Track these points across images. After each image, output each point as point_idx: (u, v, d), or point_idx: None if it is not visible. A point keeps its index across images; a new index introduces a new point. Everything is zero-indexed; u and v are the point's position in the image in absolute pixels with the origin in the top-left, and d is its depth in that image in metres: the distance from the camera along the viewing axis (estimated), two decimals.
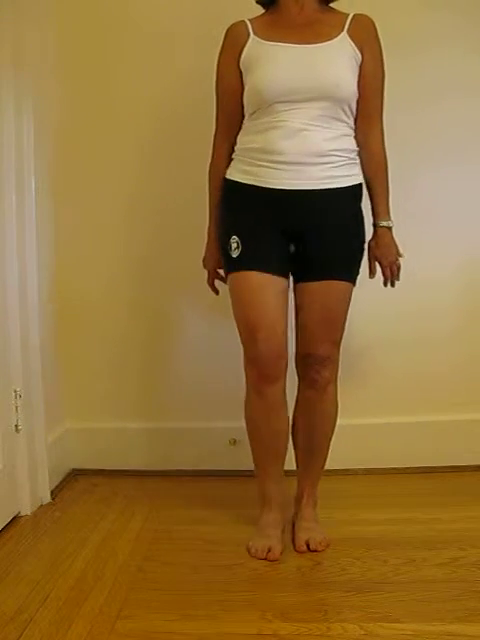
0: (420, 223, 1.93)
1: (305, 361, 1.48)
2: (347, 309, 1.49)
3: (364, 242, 1.50)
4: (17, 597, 1.26)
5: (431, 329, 1.95)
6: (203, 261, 1.61)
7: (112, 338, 2.06)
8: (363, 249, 1.50)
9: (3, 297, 1.67)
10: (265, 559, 1.41)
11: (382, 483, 1.88)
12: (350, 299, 1.48)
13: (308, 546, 1.46)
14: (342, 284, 1.45)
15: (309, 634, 1.12)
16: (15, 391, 1.69)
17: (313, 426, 1.53)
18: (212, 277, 1.62)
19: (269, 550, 1.42)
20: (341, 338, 1.49)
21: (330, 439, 1.55)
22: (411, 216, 1.92)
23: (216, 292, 1.62)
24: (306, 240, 1.42)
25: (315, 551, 1.45)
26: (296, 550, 1.47)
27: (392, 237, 1.52)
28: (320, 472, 1.58)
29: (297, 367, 1.52)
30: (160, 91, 1.95)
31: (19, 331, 1.69)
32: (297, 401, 1.55)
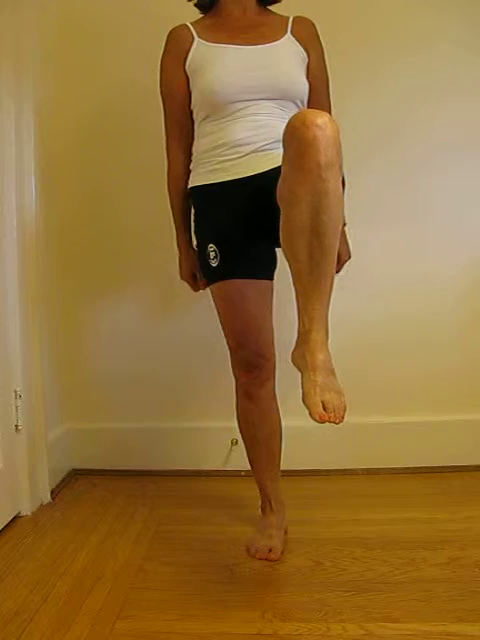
0: (422, 224, 1.94)
1: None
2: None
3: None
4: (17, 597, 1.26)
5: (432, 329, 1.95)
6: (180, 274, 1.57)
7: (112, 338, 2.06)
8: None
9: (3, 297, 1.66)
10: (266, 559, 1.40)
11: (382, 483, 1.88)
12: None
13: (324, 407, 1.07)
14: None
15: (309, 634, 1.12)
16: (15, 391, 1.69)
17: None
18: (193, 285, 1.56)
19: (270, 550, 1.41)
20: None
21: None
22: (413, 216, 1.94)
23: (197, 288, 1.55)
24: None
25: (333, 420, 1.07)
26: (316, 418, 1.06)
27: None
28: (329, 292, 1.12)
29: None
30: None
31: (19, 331, 1.69)
32: None
